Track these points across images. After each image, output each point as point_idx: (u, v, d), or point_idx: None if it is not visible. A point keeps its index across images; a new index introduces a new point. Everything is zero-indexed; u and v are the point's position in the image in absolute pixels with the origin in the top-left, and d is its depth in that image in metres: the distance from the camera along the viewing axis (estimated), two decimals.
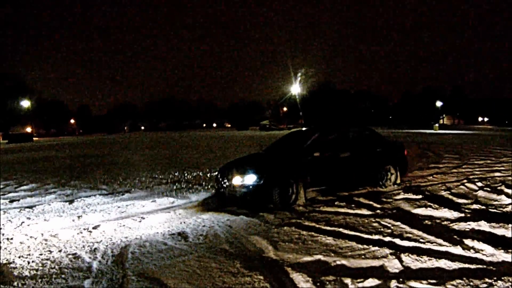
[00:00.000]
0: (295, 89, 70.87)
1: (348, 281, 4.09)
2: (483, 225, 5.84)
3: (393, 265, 4.48)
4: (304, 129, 11.63)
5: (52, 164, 18.75)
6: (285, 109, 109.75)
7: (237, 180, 7.79)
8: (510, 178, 10.13)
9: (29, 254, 5.40)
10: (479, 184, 9.24)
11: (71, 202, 8.92)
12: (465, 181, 9.76)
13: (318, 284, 4.06)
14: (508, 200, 7.56)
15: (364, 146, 9.39)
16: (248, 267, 4.59)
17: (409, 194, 8.33)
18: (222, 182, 8.21)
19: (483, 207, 7.15)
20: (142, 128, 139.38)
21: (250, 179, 7.67)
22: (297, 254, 4.97)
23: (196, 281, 4.27)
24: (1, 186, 11.83)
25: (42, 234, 6.33)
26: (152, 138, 53.83)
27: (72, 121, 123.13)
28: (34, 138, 70.39)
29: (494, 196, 7.98)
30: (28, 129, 74.17)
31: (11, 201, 9.28)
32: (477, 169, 11.95)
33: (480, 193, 8.32)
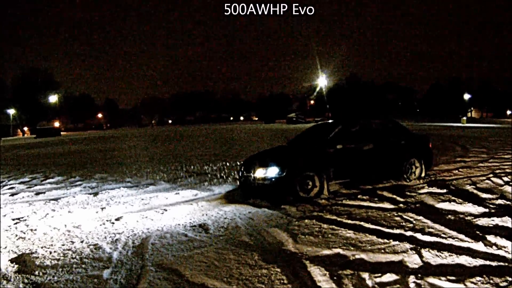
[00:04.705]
0: (322, 81, 70.53)
1: (365, 275, 4.04)
2: (507, 221, 5.68)
3: (413, 260, 4.41)
4: (329, 121, 11.54)
5: (79, 158, 19.12)
6: (312, 102, 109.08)
7: (259, 173, 7.81)
8: None
9: (52, 245, 5.54)
10: (506, 178, 8.99)
11: (95, 194, 9.09)
12: (491, 175, 9.52)
13: (335, 277, 4.03)
14: None
15: (388, 139, 9.27)
16: (266, 260, 4.60)
17: (434, 188, 8.19)
18: (246, 175, 8.24)
19: (509, 202, 6.96)
20: (170, 121, 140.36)
21: (272, 171, 7.68)
22: (317, 247, 4.95)
23: (213, 273, 4.30)
24: (26, 179, 12.16)
25: (65, 225, 6.48)
26: (179, 131, 54.21)
27: (99, 115, 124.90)
28: (62, 133, 71.69)
29: None
30: (56, 124, 75.37)
31: (37, 194, 9.50)
32: (504, 164, 11.65)
33: (506, 188, 8.10)
